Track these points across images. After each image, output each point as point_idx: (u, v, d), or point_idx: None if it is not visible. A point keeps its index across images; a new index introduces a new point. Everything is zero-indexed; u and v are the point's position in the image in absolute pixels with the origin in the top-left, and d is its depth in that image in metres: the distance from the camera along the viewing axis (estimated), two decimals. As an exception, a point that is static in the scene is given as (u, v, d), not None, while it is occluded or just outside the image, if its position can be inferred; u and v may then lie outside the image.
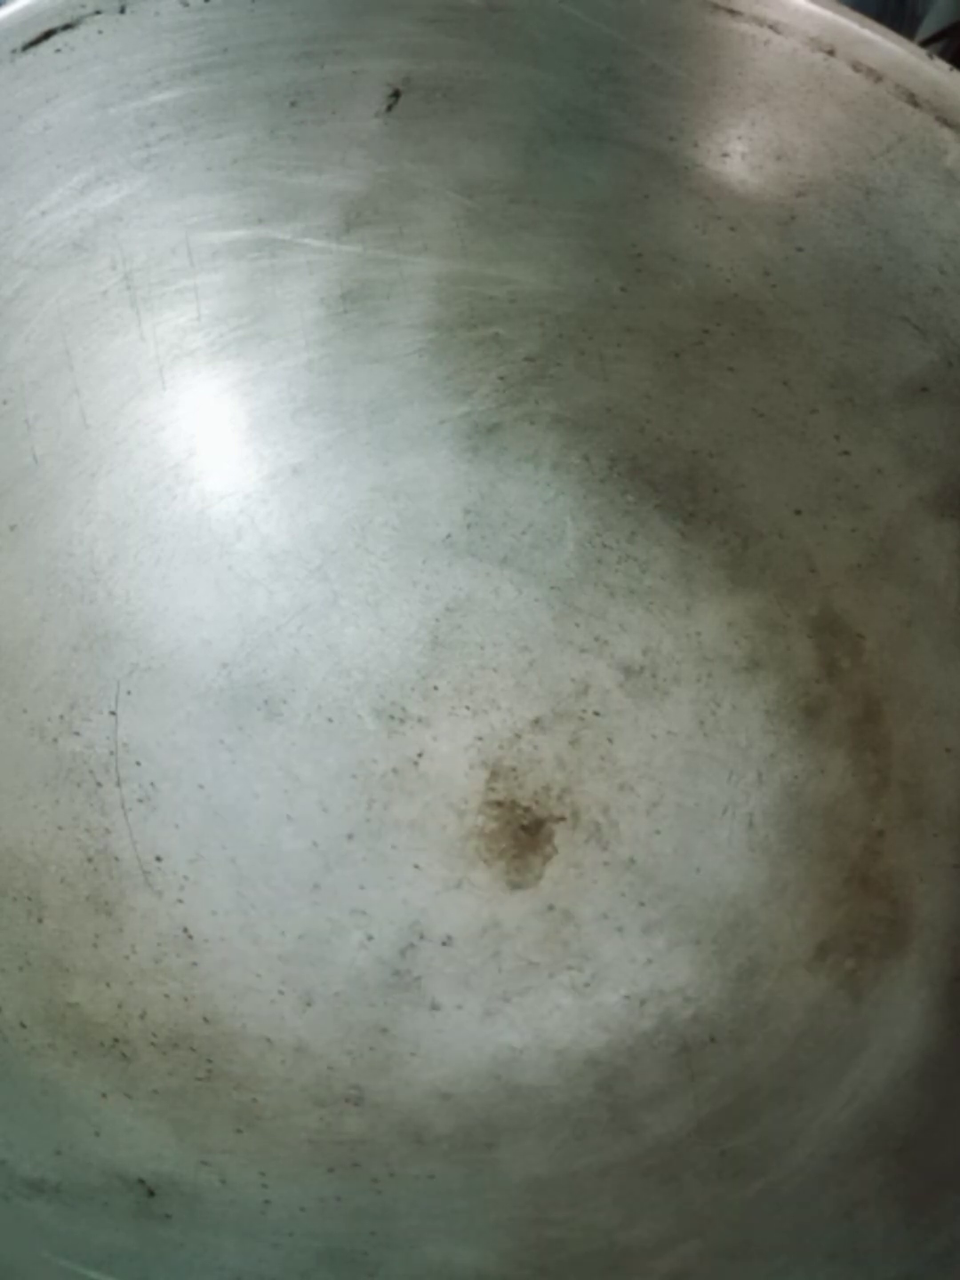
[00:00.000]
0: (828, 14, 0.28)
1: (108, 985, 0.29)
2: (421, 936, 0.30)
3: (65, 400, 0.30)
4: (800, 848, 0.31)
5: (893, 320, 0.30)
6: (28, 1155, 0.25)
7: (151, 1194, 0.26)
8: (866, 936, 0.29)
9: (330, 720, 0.32)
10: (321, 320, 0.32)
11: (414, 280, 0.32)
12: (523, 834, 0.31)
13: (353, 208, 0.31)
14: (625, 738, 0.32)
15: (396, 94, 0.30)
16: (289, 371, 0.32)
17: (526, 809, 0.32)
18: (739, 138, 0.29)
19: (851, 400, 0.31)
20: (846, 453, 0.31)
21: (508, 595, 0.33)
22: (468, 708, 0.32)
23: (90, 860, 0.30)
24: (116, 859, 0.30)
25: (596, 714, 0.33)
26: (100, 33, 0.27)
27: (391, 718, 0.32)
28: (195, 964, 0.29)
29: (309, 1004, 0.29)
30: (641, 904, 0.31)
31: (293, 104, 0.29)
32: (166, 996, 0.29)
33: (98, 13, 0.27)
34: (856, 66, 0.28)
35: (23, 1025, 0.27)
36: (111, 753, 0.31)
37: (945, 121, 0.28)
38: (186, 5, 0.28)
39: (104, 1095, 0.27)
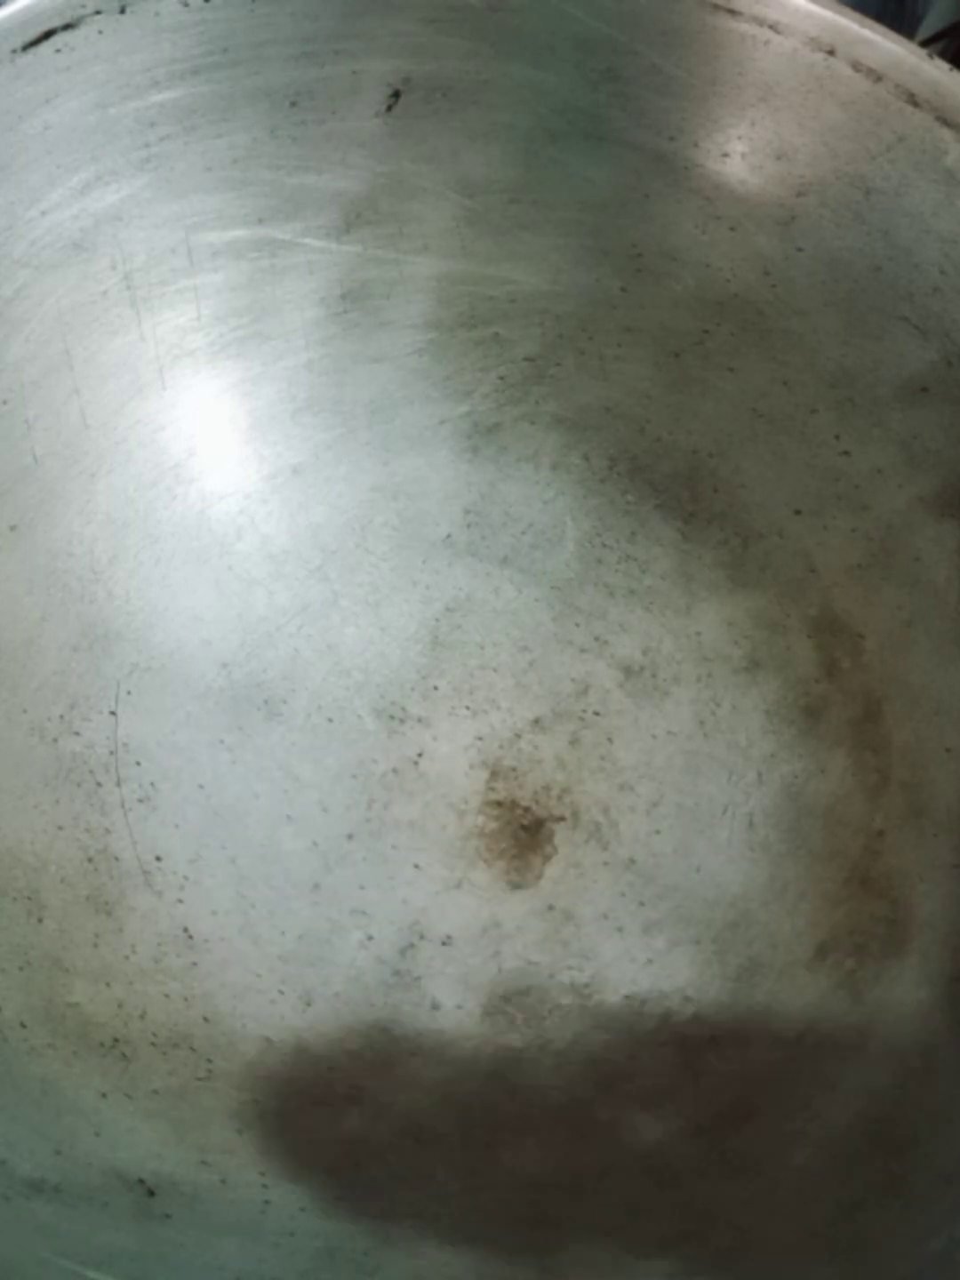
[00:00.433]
0: (828, 14, 0.28)
1: (108, 985, 0.29)
2: (421, 936, 0.30)
3: (65, 400, 0.30)
4: (800, 848, 0.31)
5: (893, 320, 0.30)
6: (28, 1155, 0.25)
7: (151, 1194, 0.26)
8: (867, 936, 0.29)
9: (330, 720, 0.32)
10: (321, 320, 0.32)
11: (414, 280, 0.32)
12: (523, 834, 0.31)
13: (353, 208, 0.31)
14: (625, 738, 0.32)
15: (396, 94, 0.30)
16: (289, 371, 0.32)
17: (526, 809, 0.32)
18: (739, 138, 0.29)
19: (851, 400, 0.31)
20: (846, 453, 0.31)
21: (508, 595, 0.33)
22: (468, 708, 0.32)
23: (90, 860, 0.30)
24: (116, 859, 0.30)
25: (596, 714, 0.33)
26: (100, 33, 0.27)
27: (391, 718, 0.32)
28: (195, 964, 0.29)
29: (309, 1004, 0.29)
30: (641, 904, 0.31)
31: (293, 104, 0.29)
32: (166, 996, 0.29)
33: (98, 13, 0.27)
34: (856, 66, 0.28)
35: (23, 1025, 0.27)
36: (111, 753, 0.31)
37: (945, 121, 0.28)
38: (186, 5, 0.28)
39: (104, 1095, 0.27)
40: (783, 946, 0.30)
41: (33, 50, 0.27)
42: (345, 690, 0.32)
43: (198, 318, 0.31)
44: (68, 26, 0.27)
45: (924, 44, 0.33)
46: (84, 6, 0.27)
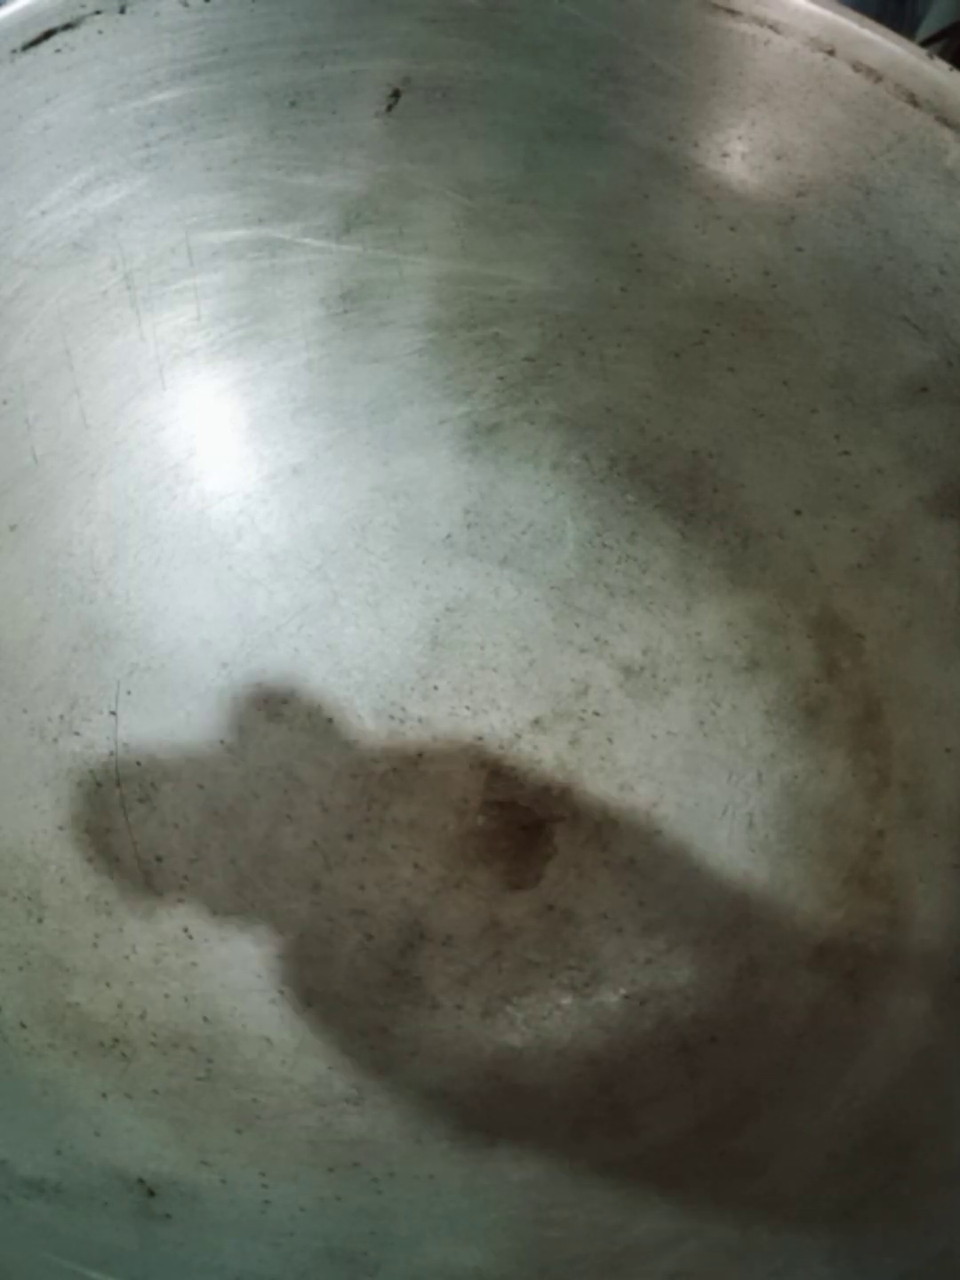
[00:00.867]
0: (828, 14, 0.28)
1: (108, 985, 0.29)
2: (421, 936, 0.30)
3: (65, 400, 0.30)
4: (800, 848, 0.31)
5: (893, 320, 0.30)
6: (28, 1155, 0.25)
7: (151, 1194, 0.26)
8: (866, 937, 0.29)
9: (330, 720, 0.32)
10: (321, 320, 0.32)
11: (414, 280, 0.32)
12: (522, 834, 0.31)
13: (353, 208, 0.31)
14: (625, 738, 0.32)
15: (396, 94, 0.29)
16: (289, 371, 0.32)
17: (526, 809, 0.32)
18: (739, 138, 0.29)
19: (851, 400, 0.31)
20: (846, 453, 0.31)
21: (508, 595, 0.33)
22: (468, 708, 0.32)
23: (90, 860, 0.30)
24: (116, 859, 0.30)
25: (596, 714, 0.33)
26: (100, 33, 0.27)
27: (391, 718, 0.32)
28: (195, 964, 0.29)
29: (309, 1004, 0.29)
30: (641, 904, 0.31)
31: (293, 104, 0.29)
32: (166, 996, 0.29)
33: (98, 13, 0.27)
34: (856, 66, 0.28)
35: (23, 1025, 0.27)
36: (111, 753, 0.31)
37: (945, 121, 0.28)
38: (186, 5, 0.28)
39: (104, 1095, 0.27)
40: (782, 946, 0.30)
41: (33, 50, 0.27)
42: (345, 690, 0.32)
43: (198, 318, 0.31)
44: (68, 26, 0.27)
45: (924, 44, 0.33)
46: (84, 6, 0.27)
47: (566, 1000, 0.30)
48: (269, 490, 0.33)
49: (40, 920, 0.29)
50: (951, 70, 0.28)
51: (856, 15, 0.28)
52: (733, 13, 0.28)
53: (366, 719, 0.32)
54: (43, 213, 0.29)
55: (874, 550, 0.31)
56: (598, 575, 0.33)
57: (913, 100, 0.28)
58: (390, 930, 0.30)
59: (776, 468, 0.32)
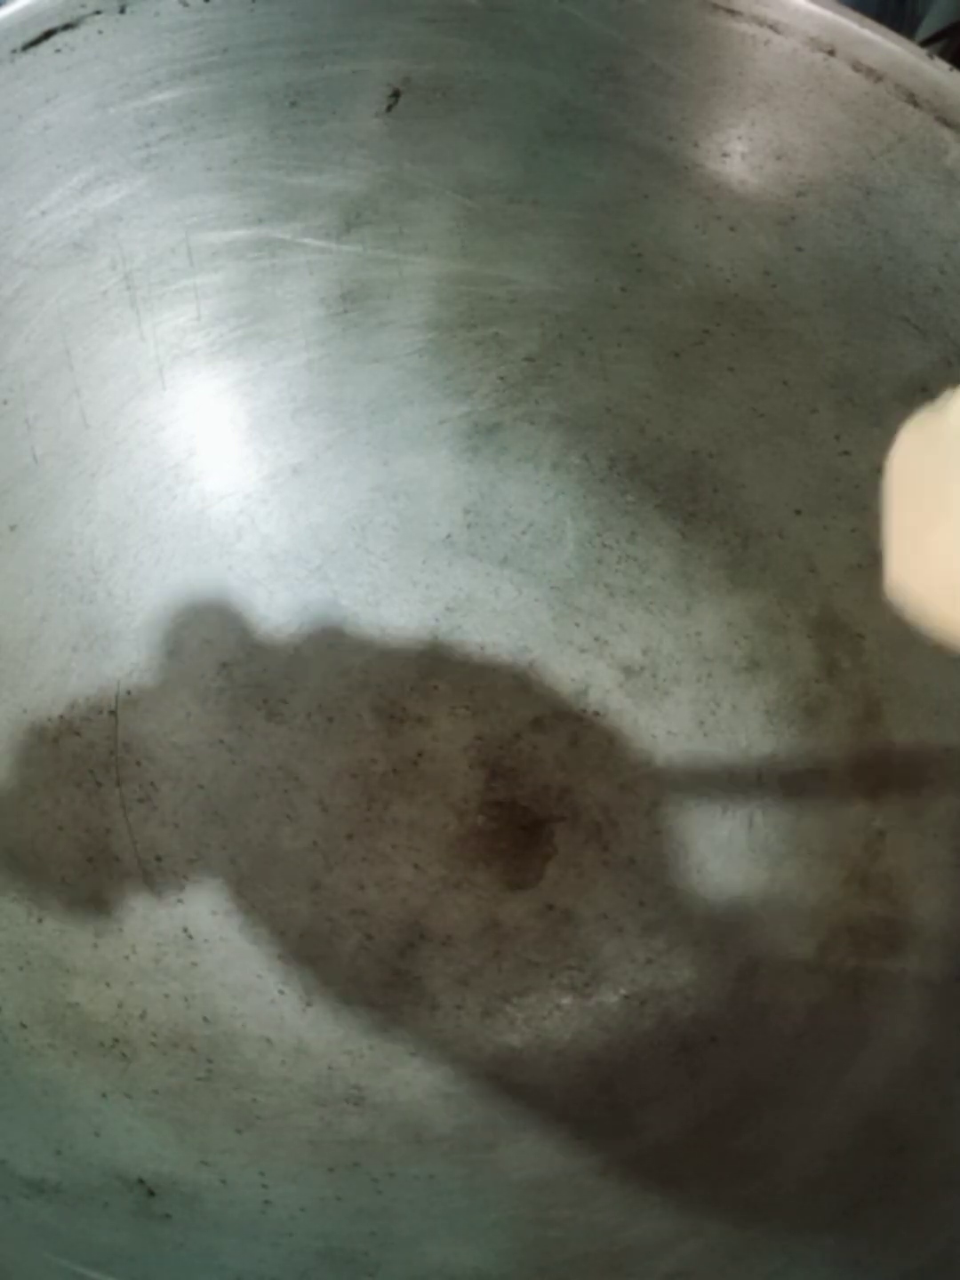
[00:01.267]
0: (828, 14, 0.28)
1: (108, 985, 0.29)
2: (421, 936, 0.30)
3: (65, 400, 0.30)
4: (800, 848, 0.31)
5: (893, 320, 0.30)
6: (28, 1155, 0.25)
7: (152, 1194, 0.26)
8: (866, 936, 0.29)
9: (330, 720, 0.32)
10: (321, 320, 0.32)
11: (414, 280, 0.32)
12: (522, 834, 0.31)
13: (353, 208, 0.31)
14: (625, 738, 0.32)
15: (396, 94, 0.29)
16: (289, 371, 0.32)
17: (526, 809, 0.32)
18: (739, 138, 0.29)
19: (851, 400, 0.31)
20: (847, 453, 0.31)
21: (508, 595, 0.33)
22: (468, 708, 0.32)
23: (90, 860, 0.30)
24: (116, 859, 0.30)
25: (596, 714, 0.33)
26: (100, 33, 0.27)
27: (391, 718, 0.32)
28: (195, 964, 0.29)
29: (309, 1004, 0.29)
30: (641, 904, 0.31)
31: (293, 104, 0.29)
32: (166, 996, 0.29)
33: (98, 13, 0.27)
34: (856, 66, 0.28)
35: (23, 1025, 0.27)
36: (111, 753, 0.31)
37: (945, 121, 0.28)
38: (186, 5, 0.28)
39: (104, 1095, 0.27)
40: (782, 946, 0.30)
41: (33, 50, 0.27)
42: (345, 690, 0.32)
43: (198, 318, 0.31)
44: (68, 26, 0.27)
45: (924, 44, 0.33)
46: (84, 6, 0.27)
47: (566, 1000, 0.30)
48: (269, 490, 0.33)
49: (40, 920, 0.29)
50: (951, 70, 0.28)
51: (856, 15, 0.28)
52: (733, 13, 0.28)
53: (366, 719, 0.32)
54: (43, 213, 0.29)
55: (874, 550, 0.31)
56: (598, 575, 0.33)
57: (913, 100, 0.28)
58: (390, 930, 0.30)
59: (777, 468, 0.32)
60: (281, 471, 0.33)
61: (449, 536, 0.33)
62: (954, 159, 0.28)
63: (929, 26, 0.41)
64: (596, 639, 0.33)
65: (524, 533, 0.34)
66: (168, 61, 0.28)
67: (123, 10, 0.27)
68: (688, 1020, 0.29)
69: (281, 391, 0.32)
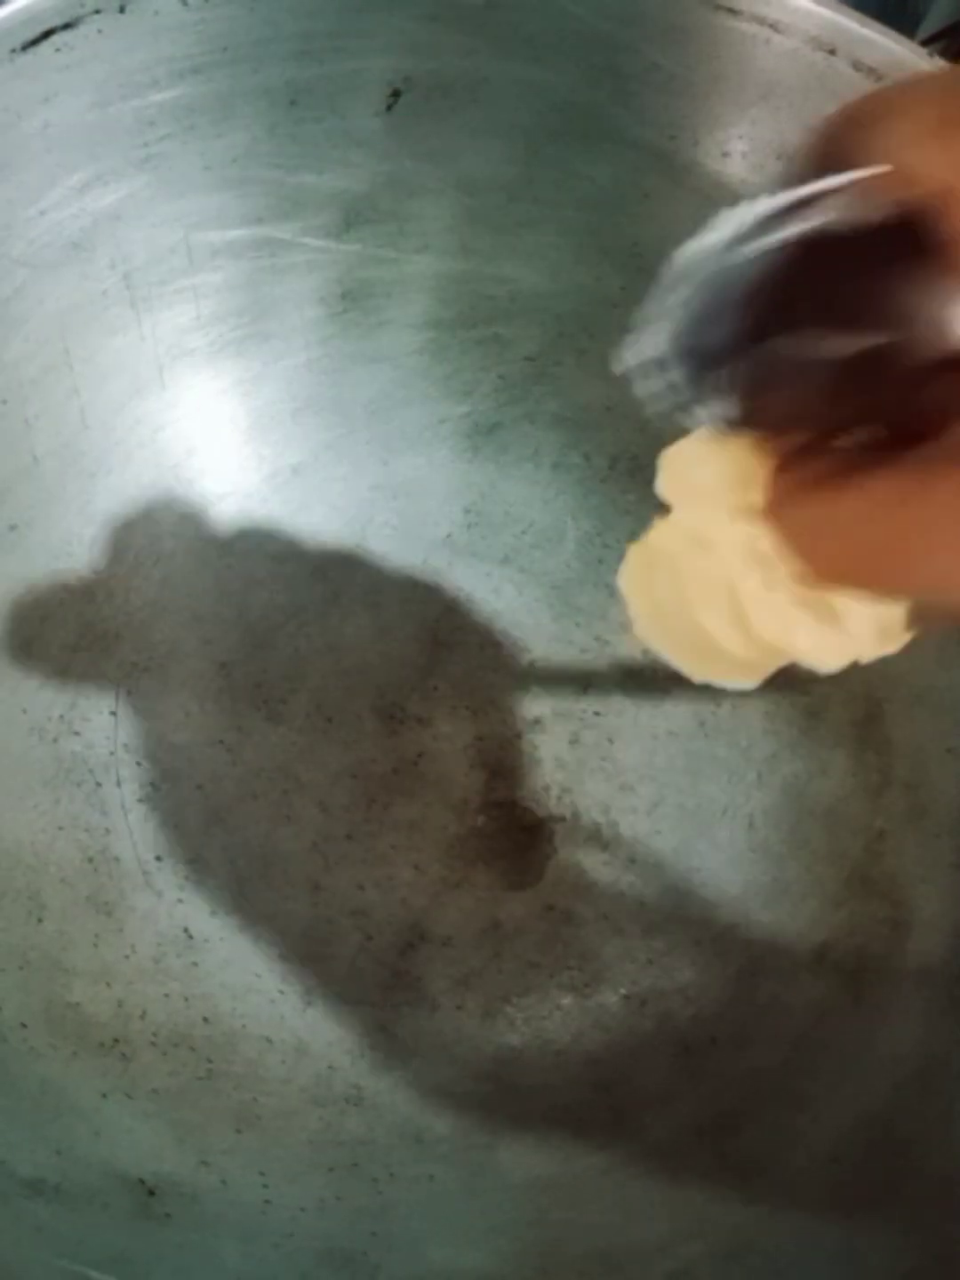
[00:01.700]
0: (828, 13, 0.28)
1: (108, 985, 0.29)
2: (421, 937, 0.30)
3: (65, 400, 0.30)
4: (801, 848, 0.31)
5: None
6: (28, 1155, 0.25)
7: (151, 1194, 0.26)
8: (868, 937, 0.29)
9: (330, 720, 0.32)
10: (321, 320, 0.32)
11: (414, 279, 0.32)
12: (522, 834, 0.31)
13: (352, 207, 0.31)
14: (625, 738, 0.32)
15: (396, 92, 0.29)
16: (289, 371, 0.32)
17: (526, 809, 0.32)
18: (740, 137, 0.29)
19: (852, 400, 0.31)
20: (847, 452, 0.31)
21: (508, 595, 0.33)
22: (468, 708, 0.32)
23: (90, 860, 0.30)
24: (116, 859, 0.30)
25: (596, 714, 0.32)
26: (100, 32, 0.27)
27: (391, 718, 0.32)
28: (195, 964, 0.29)
29: (309, 1004, 0.29)
30: (642, 904, 0.31)
31: (292, 103, 0.29)
32: (166, 996, 0.29)
33: (97, 12, 0.27)
34: (857, 65, 0.28)
35: (23, 1025, 0.27)
36: (111, 753, 0.31)
37: (947, 120, 0.28)
38: (186, 4, 0.28)
39: (104, 1095, 0.27)
40: (783, 947, 0.30)
41: (32, 49, 0.27)
42: (345, 690, 0.32)
43: (197, 317, 0.31)
44: (67, 26, 0.27)
45: (924, 43, 0.32)
46: (83, 6, 0.27)
47: (566, 1001, 0.30)
48: (269, 490, 0.33)
49: (40, 920, 0.29)
50: (953, 69, 0.27)
51: (857, 14, 0.28)
52: (733, 12, 0.28)
53: (366, 719, 0.32)
54: (42, 212, 0.29)
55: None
56: (598, 575, 0.33)
57: (914, 99, 0.28)
58: (390, 931, 0.30)
59: (777, 467, 0.32)
60: (281, 471, 0.33)
61: (449, 536, 0.33)
62: (955, 158, 0.28)
63: (929, 26, 0.41)
64: (596, 639, 0.33)
65: (524, 532, 0.34)
66: (167, 61, 0.28)
67: (122, 10, 0.27)
68: (688, 1021, 0.29)
69: (281, 391, 0.32)
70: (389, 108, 0.30)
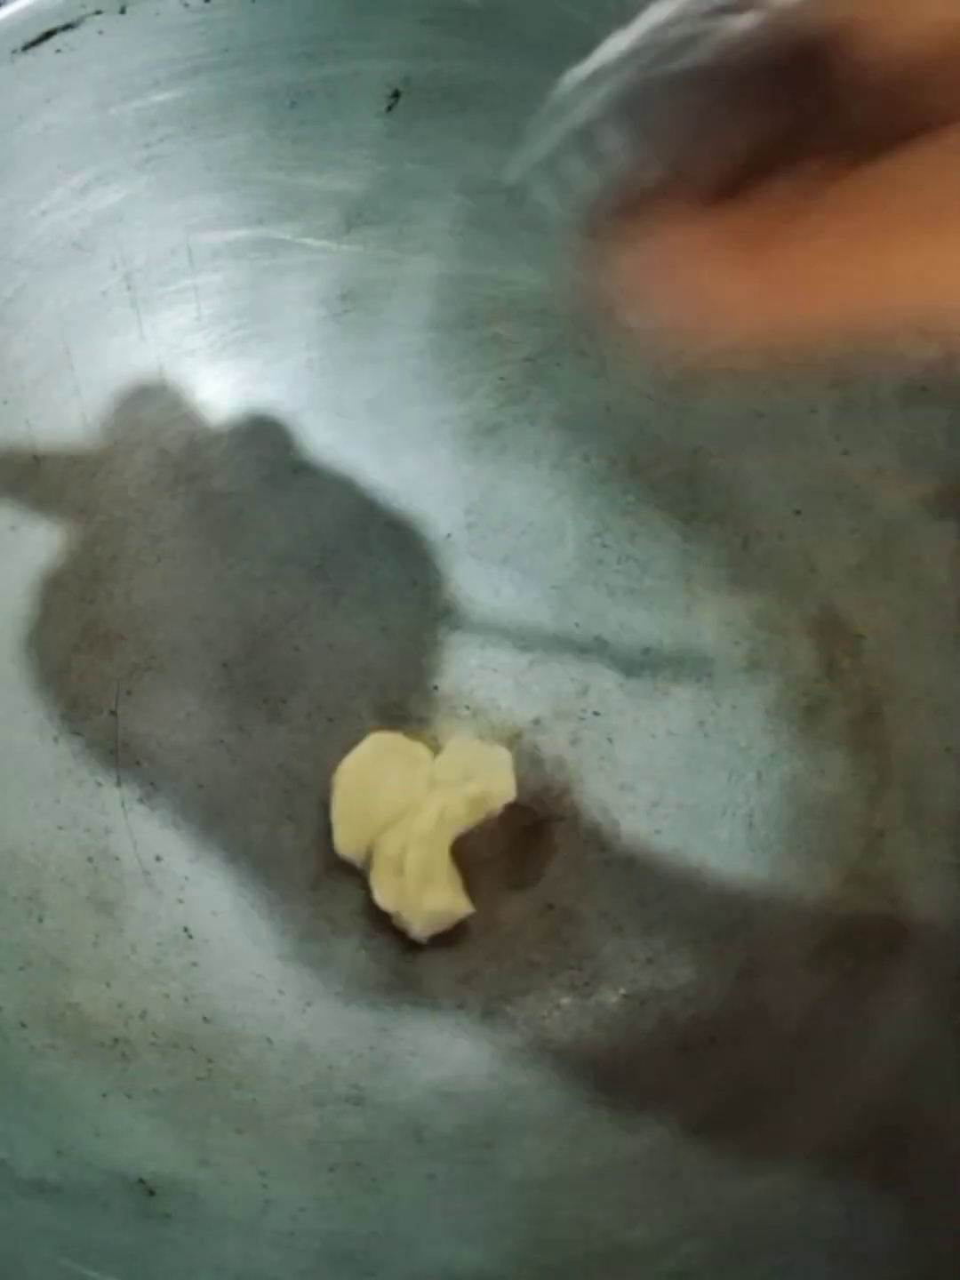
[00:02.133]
0: (828, 14, 0.28)
1: (108, 985, 0.29)
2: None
3: (65, 400, 0.30)
4: (800, 848, 0.31)
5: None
6: (28, 1155, 0.25)
7: (151, 1194, 0.26)
8: (866, 936, 0.29)
9: (330, 720, 0.32)
10: (322, 320, 0.32)
11: (414, 280, 0.32)
12: (522, 834, 0.31)
13: (353, 208, 0.31)
14: (625, 738, 0.32)
15: (397, 94, 0.30)
16: (289, 371, 0.32)
17: (527, 809, 0.32)
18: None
19: (851, 400, 0.31)
20: (847, 453, 0.31)
21: (508, 595, 0.33)
22: (468, 708, 0.32)
23: (90, 860, 0.30)
24: (117, 859, 0.30)
25: (596, 714, 0.32)
26: (101, 33, 0.27)
27: (391, 718, 0.32)
28: (195, 964, 0.29)
29: (309, 1003, 0.29)
30: (641, 903, 0.31)
31: (293, 104, 0.29)
32: (167, 996, 0.29)
33: (98, 13, 0.27)
34: (856, 67, 0.28)
35: (23, 1025, 0.27)
36: (112, 752, 0.31)
37: (945, 122, 0.28)
38: (187, 6, 0.28)
39: (104, 1095, 0.27)
40: (782, 946, 0.30)
41: (33, 50, 0.27)
42: (345, 690, 0.32)
43: (198, 318, 0.31)
44: (68, 26, 0.27)
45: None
46: (85, 6, 0.27)
47: (566, 1000, 0.30)
48: (269, 490, 0.33)
49: (40, 920, 0.29)
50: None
51: (856, 15, 0.28)
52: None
53: (366, 719, 0.32)
54: (43, 213, 0.29)
55: (874, 550, 0.31)
56: (598, 575, 0.33)
57: (913, 100, 0.28)
58: (390, 930, 0.30)
59: (777, 468, 0.32)
60: (281, 471, 0.33)
61: (449, 536, 0.33)
62: (954, 159, 0.28)
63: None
64: (596, 639, 0.33)
65: (524, 533, 0.34)
66: (168, 62, 0.28)
67: (123, 10, 0.27)
68: (688, 1020, 0.29)
69: (282, 391, 0.32)
70: (389, 109, 0.30)
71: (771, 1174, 0.27)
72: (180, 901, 0.30)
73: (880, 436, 0.31)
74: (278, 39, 0.29)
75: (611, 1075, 0.29)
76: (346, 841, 0.30)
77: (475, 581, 0.33)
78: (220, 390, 0.32)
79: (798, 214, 0.15)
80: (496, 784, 0.30)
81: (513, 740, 0.32)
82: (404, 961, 0.30)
